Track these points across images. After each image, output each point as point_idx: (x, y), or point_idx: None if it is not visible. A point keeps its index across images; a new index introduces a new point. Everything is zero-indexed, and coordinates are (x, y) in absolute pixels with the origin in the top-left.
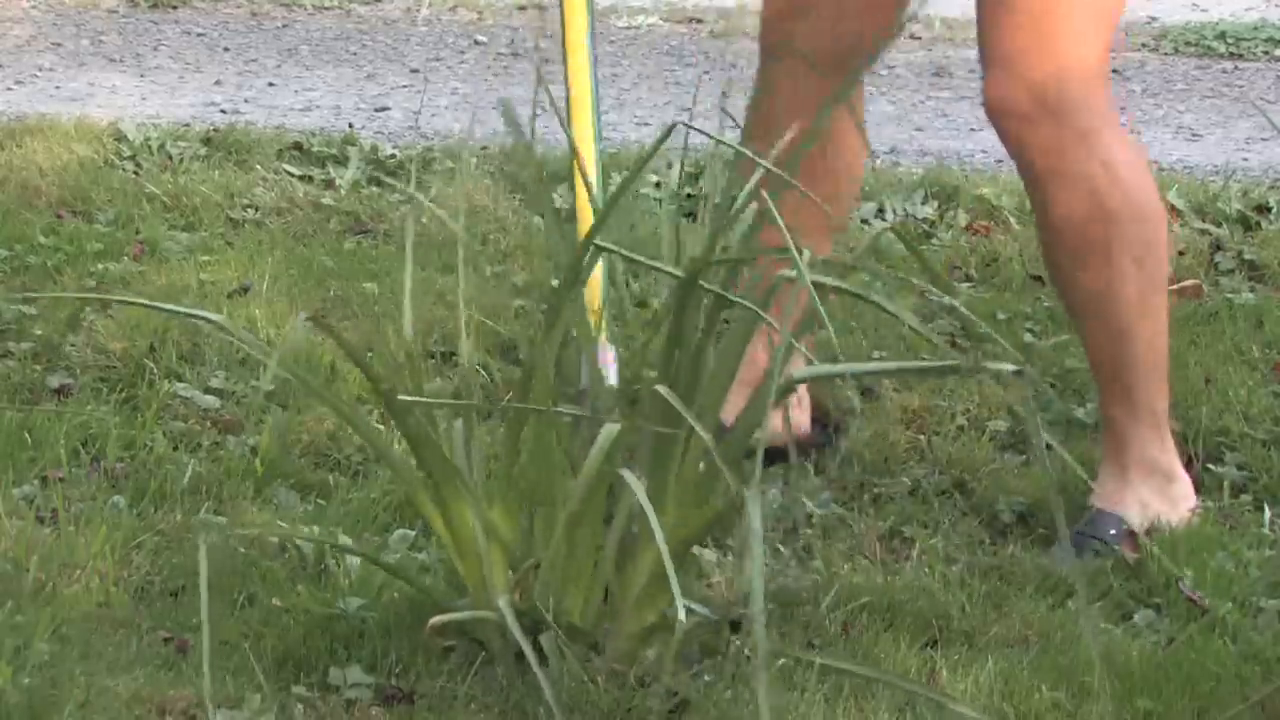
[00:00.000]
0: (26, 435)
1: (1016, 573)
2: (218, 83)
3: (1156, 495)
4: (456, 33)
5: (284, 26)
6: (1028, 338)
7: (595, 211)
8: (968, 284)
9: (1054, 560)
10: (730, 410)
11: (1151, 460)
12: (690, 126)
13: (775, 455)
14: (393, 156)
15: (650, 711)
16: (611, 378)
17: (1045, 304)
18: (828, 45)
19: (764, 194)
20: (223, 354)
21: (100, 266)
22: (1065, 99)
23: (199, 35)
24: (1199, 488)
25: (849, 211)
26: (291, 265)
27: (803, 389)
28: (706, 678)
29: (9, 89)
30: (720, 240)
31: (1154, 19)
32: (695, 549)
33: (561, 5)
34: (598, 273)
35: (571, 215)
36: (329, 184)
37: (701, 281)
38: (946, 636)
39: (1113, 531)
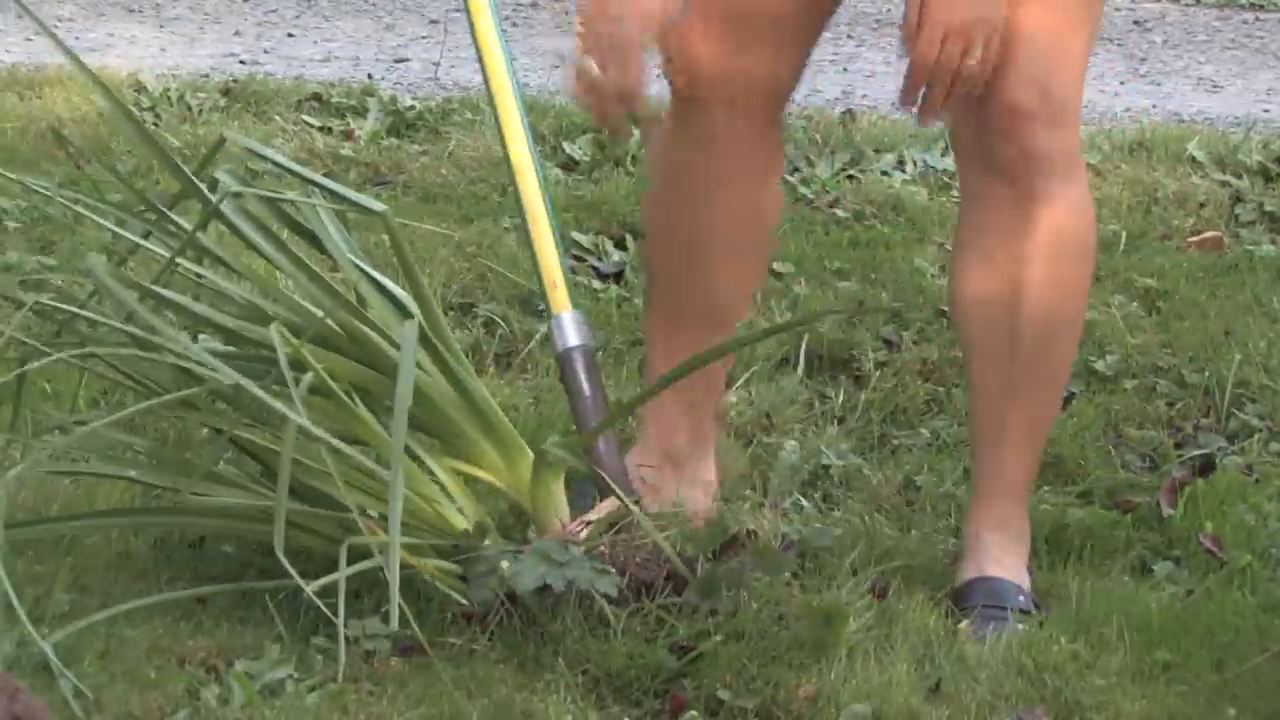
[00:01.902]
0: (46, 385)
1: (1031, 522)
2: (237, 34)
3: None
4: None
5: None
6: None
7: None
8: None
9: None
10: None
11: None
12: None
13: None
14: (412, 108)
15: (662, 665)
16: (580, 338)
17: None
18: (766, 84)
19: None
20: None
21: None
22: (1069, 109)
23: None
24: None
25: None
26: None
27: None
28: (718, 637)
29: (28, 39)
30: None
31: None
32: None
33: None
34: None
35: (589, 167)
36: (348, 135)
37: None
38: None
39: (1020, 599)
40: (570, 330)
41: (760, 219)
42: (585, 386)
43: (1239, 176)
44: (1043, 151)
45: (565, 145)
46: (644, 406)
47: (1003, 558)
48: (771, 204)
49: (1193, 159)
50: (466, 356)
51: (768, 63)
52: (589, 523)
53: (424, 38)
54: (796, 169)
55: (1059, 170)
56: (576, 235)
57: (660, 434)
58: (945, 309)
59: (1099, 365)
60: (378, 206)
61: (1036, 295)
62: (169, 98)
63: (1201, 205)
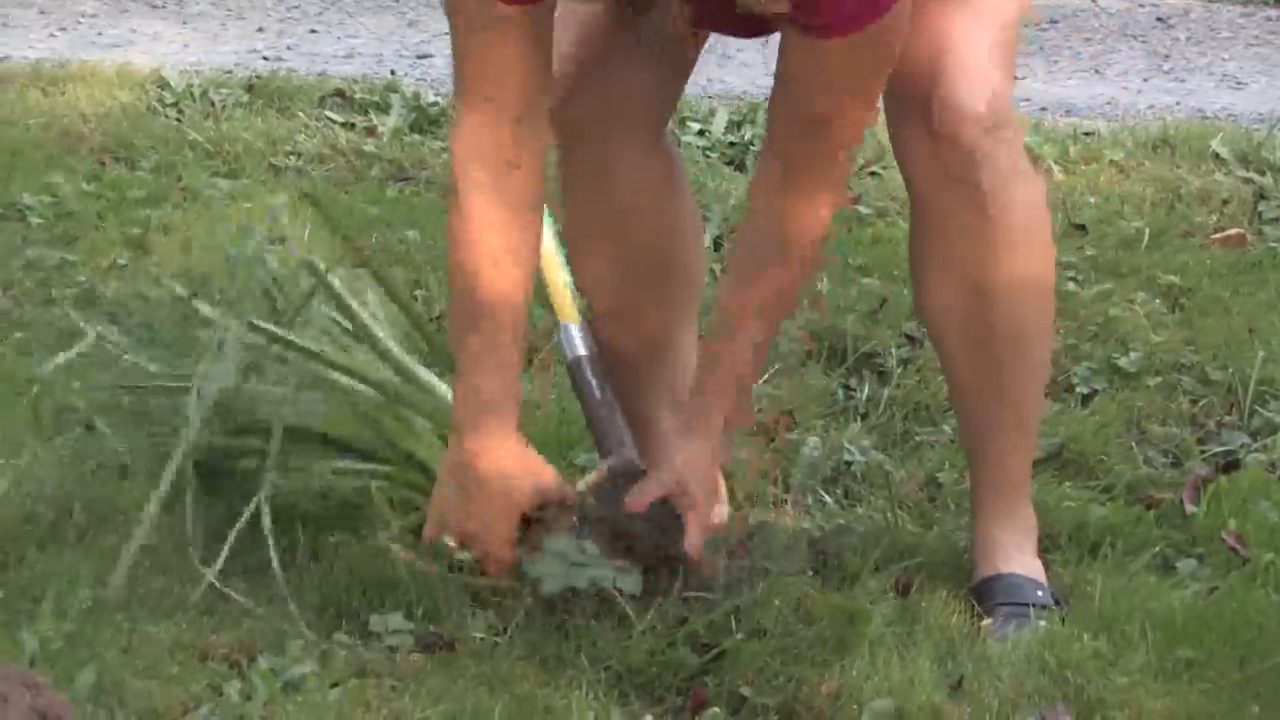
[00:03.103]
0: (71, 381)
1: (1041, 517)
2: (260, 30)
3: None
4: None
5: None
6: (1070, 286)
7: None
8: None
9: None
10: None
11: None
12: None
13: None
14: (435, 104)
15: (683, 662)
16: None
17: (1088, 253)
18: (639, 101)
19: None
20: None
21: (142, 213)
22: (1009, 105)
23: None
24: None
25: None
26: (334, 213)
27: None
28: (740, 635)
29: (52, 35)
30: None
31: None
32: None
33: None
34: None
35: None
36: (371, 131)
37: None
38: None
39: (1039, 594)
40: (578, 340)
41: (674, 238)
42: (595, 393)
43: (1262, 173)
44: (990, 152)
45: None
46: (645, 435)
47: (1015, 553)
48: (685, 222)
49: (1216, 156)
50: None
51: (635, 82)
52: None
53: (447, 33)
54: None
55: (1009, 167)
56: None
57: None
58: None
59: (1122, 362)
60: None
61: (1004, 296)
62: (192, 94)
63: (1225, 202)
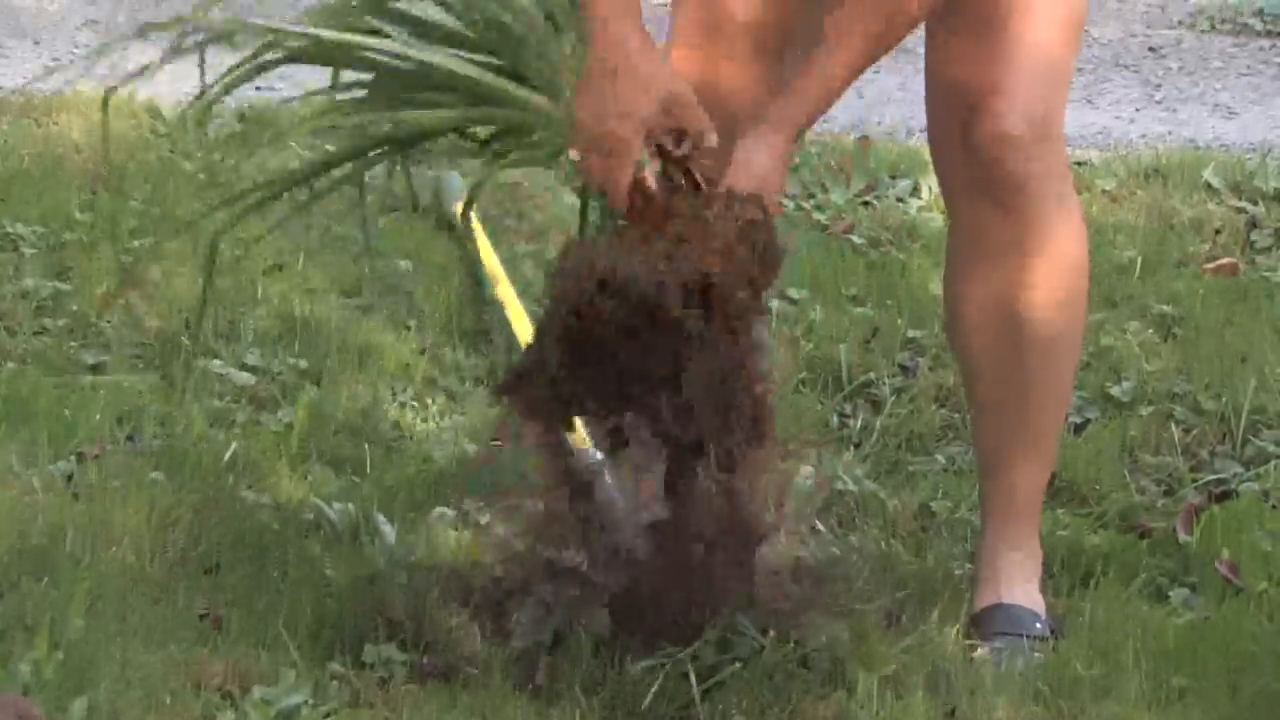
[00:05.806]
0: (64, 411)
1: (1045, 546)
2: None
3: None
4: None
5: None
6: None
7: None
8: None
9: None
10: None
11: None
12: None
13: None
14: None
15: (677, 691)
16: None
17: None
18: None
19: None
20: (258, 331)
21: (135, 243)
22: (1055, 127)
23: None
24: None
25: None
26: (327, 242)
27: None
28: (738, 663)
29: (46, 66)
30: None
31: None
32: None
33: None
34: None
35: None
36: None
37: None
38: None
39: (1038, 625)
40: None
41: None
42: None
43: (1255, 202)
44: (1033, 174)
45: None
46: None
47: (1018, 581)
48: None
49: (1208, 185)
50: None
51: (743, 78)
52: None
53: None
54: (812, 195)
55: (1049, 190)
56: None
57: None
58: None
59: (1115, 391)
60: None
61: (1039, 317)
62: (185, 124)
63: (1217, 231)
